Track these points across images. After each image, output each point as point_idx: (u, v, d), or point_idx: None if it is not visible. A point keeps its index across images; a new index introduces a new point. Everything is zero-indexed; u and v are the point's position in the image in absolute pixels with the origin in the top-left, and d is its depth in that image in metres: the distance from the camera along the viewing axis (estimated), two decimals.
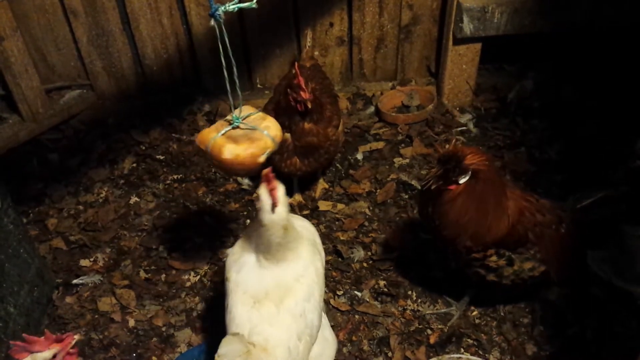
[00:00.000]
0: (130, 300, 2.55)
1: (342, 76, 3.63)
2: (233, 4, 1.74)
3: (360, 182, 3.05)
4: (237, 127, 1.96)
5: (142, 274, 2.66)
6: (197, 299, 2.55)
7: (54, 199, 3.06)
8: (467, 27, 3.08)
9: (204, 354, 2.25)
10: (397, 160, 3.16)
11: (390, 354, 2.30)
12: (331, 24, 3.41)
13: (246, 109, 2.02)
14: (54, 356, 1.61)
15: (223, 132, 1.92)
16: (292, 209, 2.84)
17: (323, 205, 2.92)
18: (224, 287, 1.90)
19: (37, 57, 3.46)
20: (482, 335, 2.34)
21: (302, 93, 2.42)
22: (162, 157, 3.28)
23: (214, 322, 2.42)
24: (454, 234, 2.08)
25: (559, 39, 3.41)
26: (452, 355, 2.23)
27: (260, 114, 2.05)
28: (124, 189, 3.11)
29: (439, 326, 2.38)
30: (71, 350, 1.64)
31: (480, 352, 2.28)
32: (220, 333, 1.78)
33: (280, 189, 1.73)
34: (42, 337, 1.62)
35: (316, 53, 3.46)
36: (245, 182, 3.06)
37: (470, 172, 1.99)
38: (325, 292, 2.39)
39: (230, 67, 1.84)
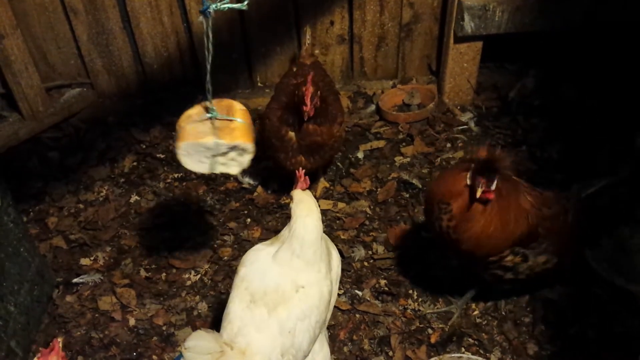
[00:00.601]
0: (131, 299, 2.55)
1: (343, 75, 3.63)
2: (223, 3, 1.76)
3: (361, 181, 3.04)
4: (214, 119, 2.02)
5: (143, 273, 2.66)
6: (197, 297, 2.55)
7: (54, 198, 3.06)
8: (468, 25, 3.07)
9: None
10: (398, 159, 3.15)
11: (391, 353, 2.30)
12: (332, 23, 3.41)
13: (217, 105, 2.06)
14: None
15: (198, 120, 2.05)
16: None
17: (324, 204, 2.91)
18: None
19: (37, 55, 3.45)
20: (483, 334, 2.34)
21: (304, 108, 2.43)
22: (162, 156, 3.27)
23: (214, 321, 2.42)
24: (474, 247, 2.00)
25: (559, 37, 3.40)
26: (453, 355, 2.22)
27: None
28: (124, 187, 3.10)
29: (440, 325, 2.38)
30: (62, 354, 1.64)
31: (481, 352, 2.28)
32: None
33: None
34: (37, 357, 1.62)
35: (317, 51, 3.45)
36: (246, 180, 3.06)
37: (498, 177, 1.90)
38: None
39: (210, 59, 1.88)
